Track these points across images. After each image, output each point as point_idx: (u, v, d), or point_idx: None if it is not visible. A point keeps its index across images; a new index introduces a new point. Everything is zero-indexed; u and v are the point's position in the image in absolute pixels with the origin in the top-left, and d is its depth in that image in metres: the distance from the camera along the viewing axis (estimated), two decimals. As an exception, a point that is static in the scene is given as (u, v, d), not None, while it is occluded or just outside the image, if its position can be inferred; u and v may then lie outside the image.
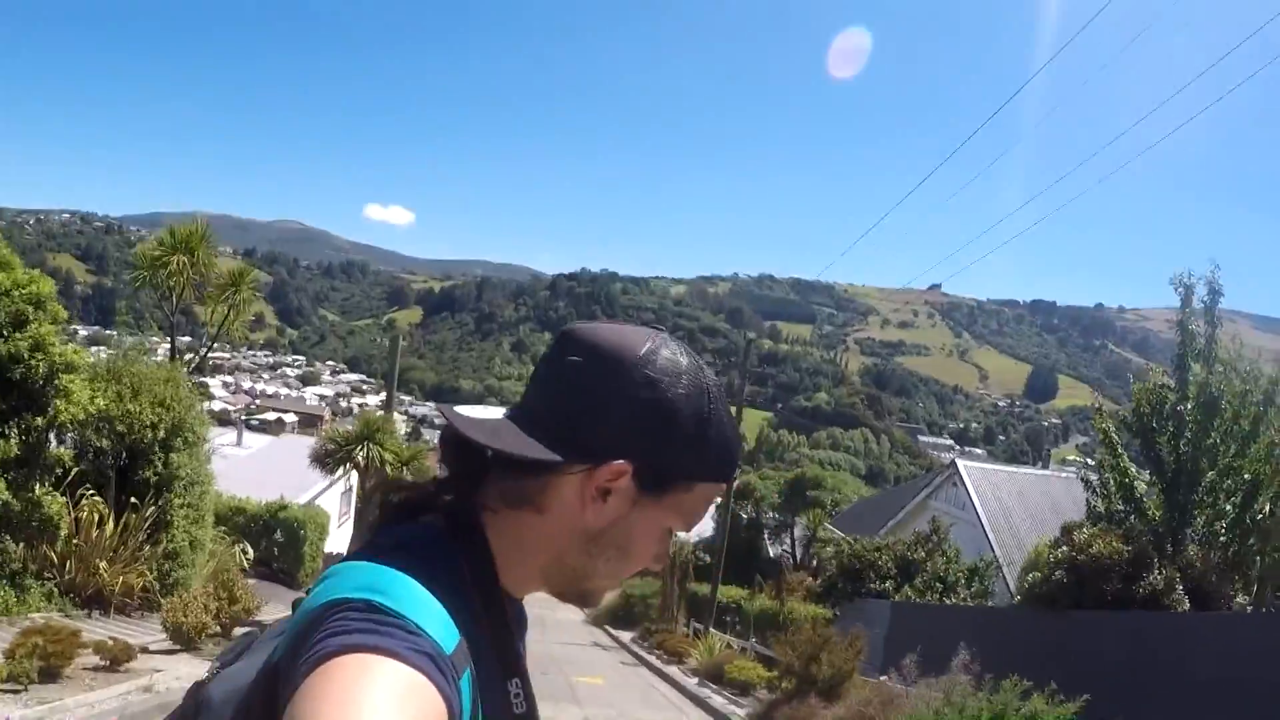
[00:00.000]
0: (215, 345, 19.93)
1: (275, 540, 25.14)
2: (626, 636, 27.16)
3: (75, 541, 13.87)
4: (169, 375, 15.98)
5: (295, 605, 1.07)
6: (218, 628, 13.26)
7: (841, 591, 23.81)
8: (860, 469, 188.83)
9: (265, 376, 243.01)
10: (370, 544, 1.11)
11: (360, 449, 17.43)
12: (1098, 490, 16.64)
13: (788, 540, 41.91)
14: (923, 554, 23.49)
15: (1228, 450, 14.75)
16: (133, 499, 14.81)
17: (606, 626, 30.13)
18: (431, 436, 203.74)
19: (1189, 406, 15.03)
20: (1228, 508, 14.82)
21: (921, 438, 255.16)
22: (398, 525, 1.17)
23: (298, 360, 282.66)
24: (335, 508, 36.16)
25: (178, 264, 17.54)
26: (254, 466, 32.14)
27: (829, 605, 23.72)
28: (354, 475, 18.21)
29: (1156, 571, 13.87)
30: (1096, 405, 18.06)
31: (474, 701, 1.01)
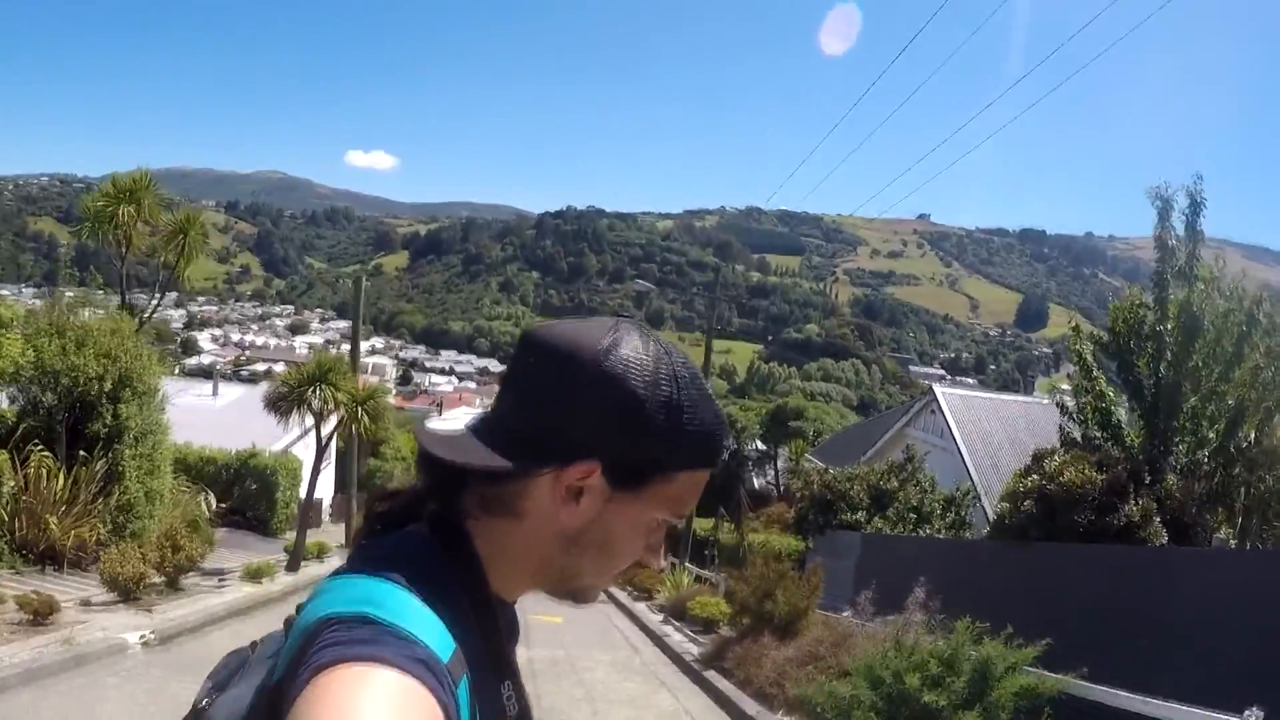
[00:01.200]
0: (164, 295, 19.51)
1: (247, 489, 25.01)
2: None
3: (24, 498, 13.66)
4: (115, 326, 15.74)
5: (287, 624, 1.09)
6: (161, 577, 13.11)
7: (813, 523, 23.30)
8: (852, 400, 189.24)
9: (254, 328, 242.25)
10: (360, 556, 1.11)
11: (313, 390, 17.04)
12: (1074, 416, 15.75)
13: (771, 471, 41.85)
14: (896, 484, 23.01)
15: (1210, 374, 13.92)
16: (82, 453, 14.61)
17: None
18: (422, 379, 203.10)
19: (1169, 327, 14.17)
20: (1210, 435, 13.99)
21: (913, 368, 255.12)
22: (385, 536, 1.17)
23: (286, 310, 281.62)
24: (311, 454, 36.14)
25: (123, 214, 17.08)
26: (229, 417, 31.90)
27: (802, 537, 23.55)
28: (309, 418, 17.75)
29: (1133, 502, 13.09)
30: (1073, 325, 16.90)
31: (472, 707, 1.00)
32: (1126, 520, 12.95)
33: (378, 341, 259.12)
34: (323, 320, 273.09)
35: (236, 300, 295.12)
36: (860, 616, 12.02)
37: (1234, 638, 9.50)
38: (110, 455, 14.95)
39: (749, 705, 10.78)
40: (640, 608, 20.35)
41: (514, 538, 1.15)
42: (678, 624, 17.54)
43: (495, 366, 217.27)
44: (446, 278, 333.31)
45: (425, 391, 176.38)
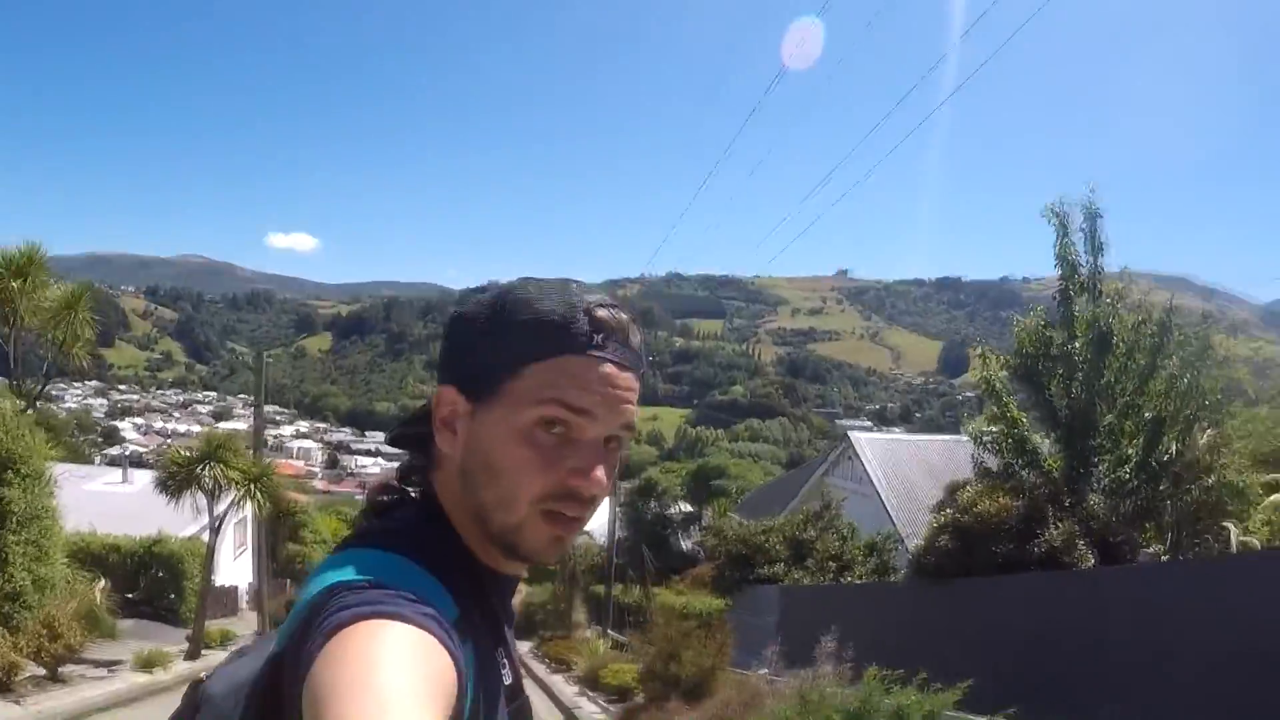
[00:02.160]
0: (54, 375, 18.91)
1: (154, 577, 24.20)
2: (525, 647, 26.25)
3: (-100, 591, 13.06)
4: (-8, 405, 15.15)
5: (289, 606, 1.14)
6: (39, 668, 12.52)
7: (729, 579, 23.02)
8: (781, 457, 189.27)
9: (177, 415, 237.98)
10: (359, 534, 1.16)
11: (203, 468, 16.61)
12: (989, 447, 15.12)
13: (697, 532, 41.67)
14: (814, 533, 22.62)
15: (1125, 389, 13.74)
16: (-39, 540, 13.99)
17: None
18: (349, 461, 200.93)
19: (1078, 345, 13.85)
20: (1130, 451, 13.58)
21: (839, 421, 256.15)
22: (381, 517, 1.20)
23: (209, 396, 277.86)
24: (230, 539, 35.02)
25: (6, 290, 16.54)
26: (141, 503, 30.95)
27: (722, 595, 23.08)
28: (202, 499, 17.27)
29: (1053, 526, 12.69)
30: (981, 354, 16.18)
31: (475, 672, 1.03)
32: (1049, 546, 12.56)
33: (303, 425, 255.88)
34: (245, 405, 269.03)
35: (159, 388, 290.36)
36: (772, 672, 11.67)
37: (1170, 653, 9.14)
38: (-9, 541, 14.23)
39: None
40: (557, 680, 19.63)
41: (444, 488, 1.19)
42: (591, 694, 16.90)
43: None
44: (370, 358, 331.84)
45: (352, 474, 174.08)
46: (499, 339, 1.13)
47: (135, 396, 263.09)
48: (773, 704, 9.45)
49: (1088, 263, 14.20)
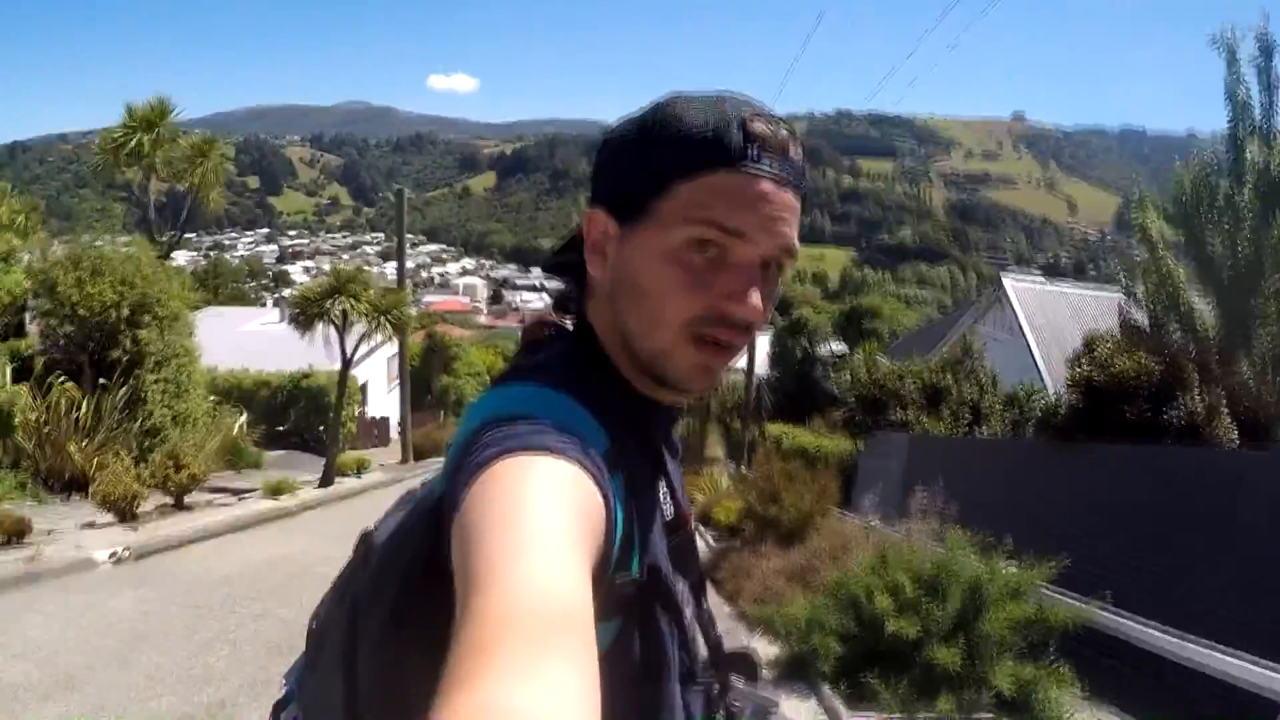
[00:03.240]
0: (187, 217, 19.41)
1: (301, 409, 25.10)
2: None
3: (46, 428, 13.72)
4: (129, 254, 15.63)
5: (447, 447, 1.08)
6: (166, 497, 13.06)
7: (861, 424, 22.13)
8: (946, 303, 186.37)
9: (345, 257, 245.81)
10: (512, 369, 1.13)
11: (332, 301, 16.89)
12: (1140, 300, 13.62)
13: (848, 374, 41.19)
14: (951, 380, 21.36)
15: None
16: (101, 380, 14.63)
17: None
18: (513, 298, 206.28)
19: (1246, 195, 12.17)
20: None
21: (1009, 270, 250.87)
22: (536, 350, 1.18)
23: (377, 237, 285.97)
24: (383, 371, 36.11)
25: (138, 142, 16.95)
26: (295, 341, 32.07)
27: (854, 438, 22.44)
28: (332, 332, 17.65)
29: (1197, 394, 11.32)
30: (1138, 200, 14.32)
31: (627, 504, 1.00)
32: (1189, 416, 11.20)
33: (468, 263, 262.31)
34: (413, 245, 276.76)
35: (327, 231, 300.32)
36: (882, 521, 11.24)
37: None
38: (132, 381, 14.92)
39: (722, 625, 9.97)
40: None
41: (599, 316, 1.15)
42: (702, 529, 16.64)
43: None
44: (534, 195, 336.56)
45: (515, 309, 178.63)
46: (646, 156, 1.08)
47: (305, 241, 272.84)
48: (858, 555, 8.81)
49: (1261, 101, 12.31)
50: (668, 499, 1.14)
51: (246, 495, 15.52)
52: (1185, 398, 11.42)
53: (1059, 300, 29.13)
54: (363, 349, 29.72)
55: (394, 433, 34.26)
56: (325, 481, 18.39)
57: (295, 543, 11.65)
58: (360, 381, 33.87)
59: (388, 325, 18.08)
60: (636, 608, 1.02)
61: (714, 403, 31.39)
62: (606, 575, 0.92)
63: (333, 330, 17.65)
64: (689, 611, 1.12)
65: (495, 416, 0.97)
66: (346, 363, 18.49)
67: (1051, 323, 27.16)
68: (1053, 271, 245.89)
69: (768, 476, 12.90)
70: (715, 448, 28.01)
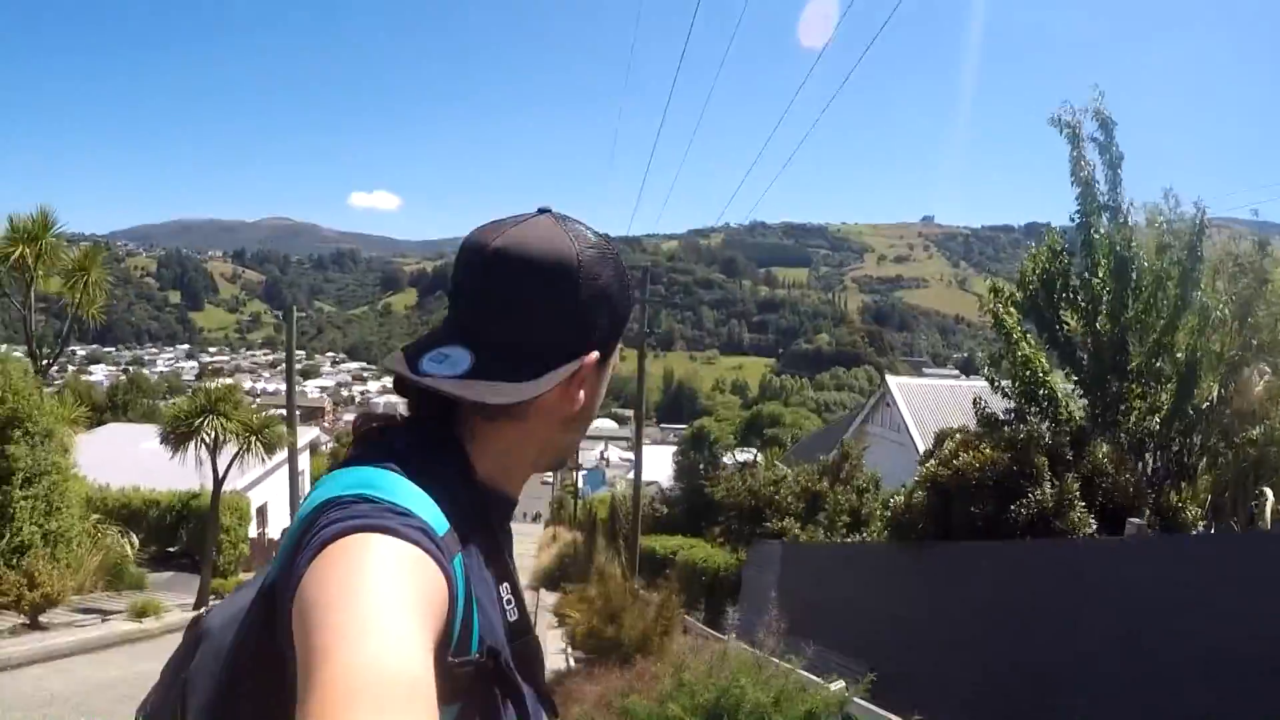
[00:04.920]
0: (74, 333, 19.40)
1: (192, 530, 24.70)
2: (551, 600, 25.02)
3: (-93, 547, 13.59)
4: (0, 367, 15.60)
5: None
6: (18, 616, 12.94)
7: (738, 533, 22.15)
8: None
9: (266, 374, 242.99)
10: (353, 457, 1.12)
11: (204, 421, 16.87)
12: (1006, 391, 13.30)
13: (723, 486, 41.33)
14: (826, 485, 21.48)
15: (1154, 325, 11.64)
16: (-38, 497, 14.52)
17: (542, 589, 28.44)
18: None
19: (1100, 274, 12.02)
20: (1164, 398, 11.54)
21: (927, 370, 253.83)
22: (367, 444, 1.16)
23: (298, 354, 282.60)
24: (284, 492, 35.72)
25: (20, 255, 17.00)
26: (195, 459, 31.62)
27: (734, 549, 22.15)
28: (203, 453, 17.51)
29: (1048, 485, 10.79)
30: (991, 287, 14.18)
31: (468, 586, 1.02)
32: (1038, 508, 10.65)
33: (388, 381, 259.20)
34: (334, 364, 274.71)
35: (248, 349, 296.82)
36: (743, 637, 10.78)
37: (1157, 657, 7.28)
38: (-1, 497, 14.75)
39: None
40: (554, 634, 18.10)
41: (514, 436, 1.19)
42: (577, 653, 15.50)
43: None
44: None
45: (283, 417, 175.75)
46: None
47: (225, 357, 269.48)
48: (666, 681, 7.86)
49: (1106, 176, 12.32)
50: (511, 601, 1.14)
51: (112, 616, 15.29)
52: (1035, 489, 10.93)
53: (945, 393, 29.25)
54: (257, 469, 29.41)
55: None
56: (199, 603, 18.14)
57: (141, 666, 11.34)
58: (260, 502, 33.38)
59: (259, 445, 18.04)
60: (478, 690, 1.02)
61: (595, 515, 31.13)
62: (447, 655, 0.95)
63: (204, 449, 17.57)
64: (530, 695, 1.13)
65: (336, 498, 1.00)
66: (219, 481, 18.33)
67: (937, 417, 27.01)
68: (967, 368, 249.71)
69: (606, 596, 12.76)
70: (610, 564, 27.69)
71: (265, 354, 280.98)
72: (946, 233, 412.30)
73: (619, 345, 1.28)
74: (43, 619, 13.43)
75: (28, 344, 18.36)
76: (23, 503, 15.12)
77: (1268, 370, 11.12)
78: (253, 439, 17.67)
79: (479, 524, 1.12)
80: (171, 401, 27.14)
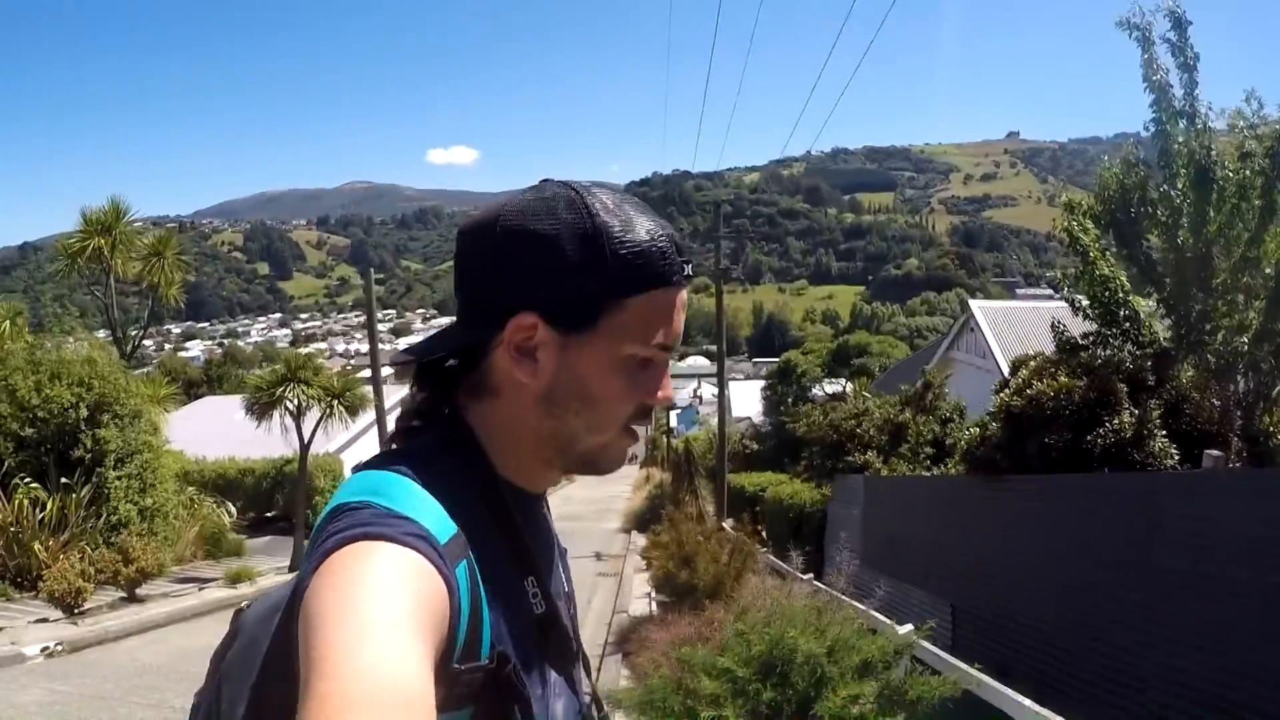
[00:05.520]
0: (166, 313, 19.95)
1: (287, 495, 25.26)
2: (642, 542, 24.01)
3: (12, 528, 14.10)
4: (88, 355, 16.10)
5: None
6: (117, 591, 13.35)
7: (820, 468, 21.38)
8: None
9: (358, 336, 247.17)
10: (375, 457, 1.13)
11: (285, 389, 17.23)
12: (1087, 312, 12.37)
13: (803, 421, 40.89)
14: (908, 415, 20.59)
15: (1239, 238, 10.61)
16: (63, 480, 15.04)
17: (635, 530, 28.34)
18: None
19: (1180, 185, 11.05)
20: (1251, 316, 10.42)
21: (1019, 291, 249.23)
22: (405, 441, 1.18)
23: (388, 314, 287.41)
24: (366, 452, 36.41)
25: (95, 246, 17.49)
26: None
27: (818, 484, 21.26)
28: (288, 420, 17.92)
29: (1127, 411, 10.33)
30: (1067, 202, 13.36)
31: (473, 593, 1.01)
32: (1116, 436, 10.20)
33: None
34: (425, 320, 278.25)
35: (338, 312, 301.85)
36: (796, 578, 10.47)
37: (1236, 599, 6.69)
38: (95, 479, 15.31)
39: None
40: (639, 578, 17.88)
41: (500, 415, 1.16)
42: (658, 595, 14.37)
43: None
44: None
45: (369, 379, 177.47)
46: (598, 270, 1.10)
47: (317, 323, 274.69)
48: (737, 626, 7.58)
49: (1182, 80, 11.29)
50: (537, 594, 1.14)
51: (209, 584, 15.76)
52: (1113, 418, 10.49)
53: (1031, 316, 27.89)
54: (349, 430, 29.83)
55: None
56: (293, 566, 18.62)
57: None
58: (355, 461, 34.14)
59: (342, 409, 18.37)
60: (488, 695, 1.02)
61: (683, 456, 31.04)
62: (451, 663, 0.95)
63: (289, 417, 17.94)
64: (544, 696, 1.14)
65: (345, 504, 1.00)
66: (304, 447, 18.71)
67: (1024, 340, 25.90)
68: (1059, 287, 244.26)
69: (679, 540, 12.52)
70: (696, 504, 27.58)
71: (356, 315, 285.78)
72: (1033, 148, 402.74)
73: (638, 322, 1.12)
74: (140, 591, 13.97)
75: (111, 329, 18.89)
76: (117, 483, 15.68)
77: None
78: (335, 403, 18.01)
79: (496, 521, 1.11)
80: (253, 371, 27.66)
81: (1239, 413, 10.67)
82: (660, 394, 1.18)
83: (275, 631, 1.06)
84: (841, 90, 19.70)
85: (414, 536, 0.94)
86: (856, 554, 9.27)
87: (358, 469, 1.11)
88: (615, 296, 1.10)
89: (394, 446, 1.17)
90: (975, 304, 29.83)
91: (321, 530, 0.98)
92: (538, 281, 1.10)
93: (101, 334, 19.51)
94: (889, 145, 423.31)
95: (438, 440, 1.15)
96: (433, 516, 1.00)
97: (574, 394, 1.13)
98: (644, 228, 1.12)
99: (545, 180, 1.18)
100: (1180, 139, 11.18)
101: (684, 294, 1.17)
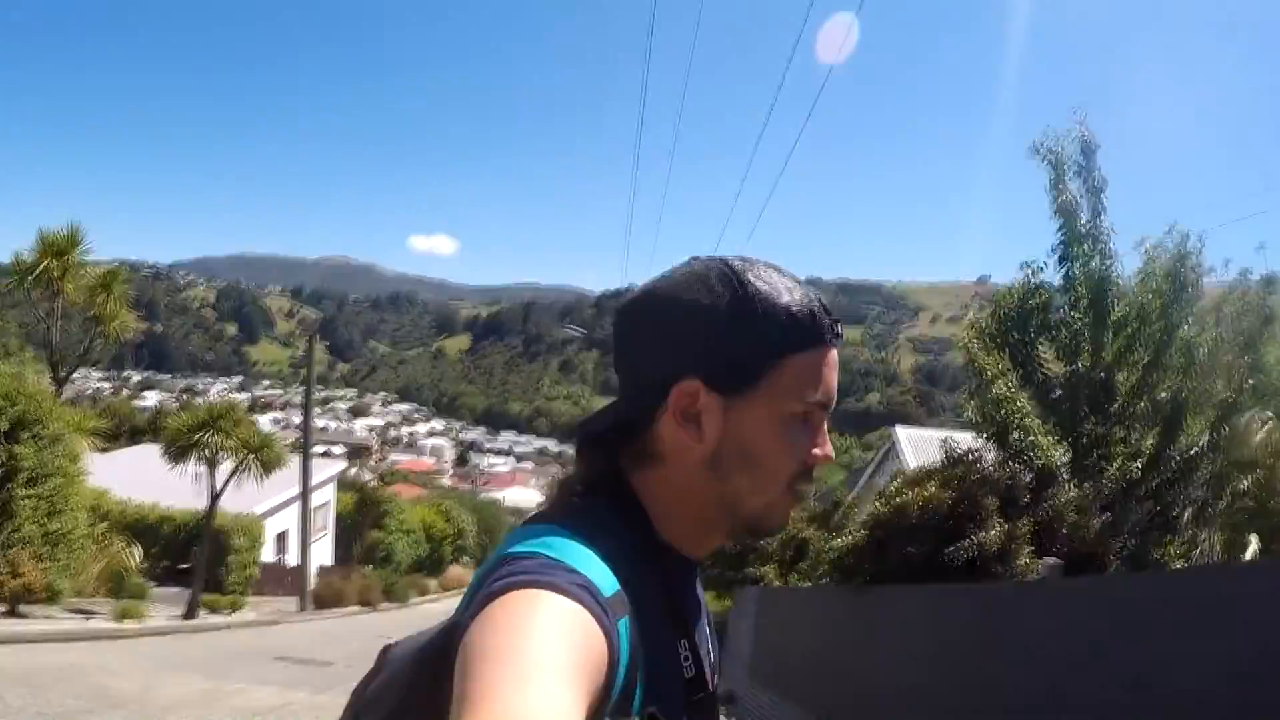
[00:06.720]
0: (91, 345, 20.02)
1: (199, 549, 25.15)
2: None
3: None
4: (15, 373, 16.24)
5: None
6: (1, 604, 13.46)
7: (719, 579, 21.80)
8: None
9: (318, 410, 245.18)
10: (542, 514, 1.19)
11: (204, 435, 17.35)
12: (986, 433, 11.73)
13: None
14: (812, 531, 19.79)
15: (1137, 363, 10.86)
16: (-36, 495, 15.12)
17: None
18: (479, 460, 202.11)
19: (1081, 308, 11.15)
20: (1149, 442, 10.74)
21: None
22: (571, 500, 1.23)
23: (349, 393, 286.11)
24: (295, 520, 36.23)
25: (47, 267, 17.78)
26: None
27: (718, 595, 21.88)
28: (203, 467, 17.95)
29: (996, 527, 10.08)
30: (967, 321, 13.00)
31: (634, 650, 1.03)
32: (978, 550, 9.98)
33: (437, 424, 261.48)
34: (384, 403, 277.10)
35: (300, 384, 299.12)
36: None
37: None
38: (2, 493, 15.31)
39: None
40: None
41: (667, 482, 1.20)
42: None
43: (554, 446, 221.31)
44: (508, 358, 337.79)
45: (482, 472, 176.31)
46: (755, 331, 1.15)
47: (277, 392, 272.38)
48: None
49: (1088, 203, 11.23)
50: (689, 658, 1.15)
51: (96, 616, 15.73)
52: (979, 531, 10.11)
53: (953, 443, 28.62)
54: (280, 496, 29.69)
55: (312, 584, 34.14)
56: (189, 615, 18.69)
57: (97, 658, 11.60)
58: (281, 528, 34.26)
59: (257, 464, 18.52)
60: None
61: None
62: (602, 716, 0.94)
63: (205, 465, 18.01)
64: None
65: (511, 554, 1.03)
66: (214, 496, 18.74)
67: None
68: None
69: None
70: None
71: (320, 390, 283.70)
72: (1001, 291, 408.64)
73: (795, 380, 1.17)
74: (24, 609, 14.00)
75: (49, 352, 19.12)
76: (25, 501, 15.65)
77: (1270, 416, 10.43)
78: (251, 457, 18.09)
79: (655, 582, 1.14)
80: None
81: (1129, 538, 10.49)
82: (820, 451, 1.22)
83: (420, 667, 1.10)
84: (757, 217, 20.21)
85: (579, 588, 0.96)
86: (745, 668, 9.00)
87: (527, 522, 1.17)
88: (772, 357, 1.15)
89: (556, 503, 1.23)
90: (899, 429, 30.31)
91: (488, 574, 1.01)
92: (697, 349, 1.15)
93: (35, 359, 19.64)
94: (862, 279, 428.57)
95: (603, 503, 1.18)
96: (598, 571, 1.03)
97: (738, 455, 1.17)
98: (794, 291, 1.18)
99: (694, 257, 1.24)
100: (1081, 263, 11.17)
101: (835, 353, 1.21)
